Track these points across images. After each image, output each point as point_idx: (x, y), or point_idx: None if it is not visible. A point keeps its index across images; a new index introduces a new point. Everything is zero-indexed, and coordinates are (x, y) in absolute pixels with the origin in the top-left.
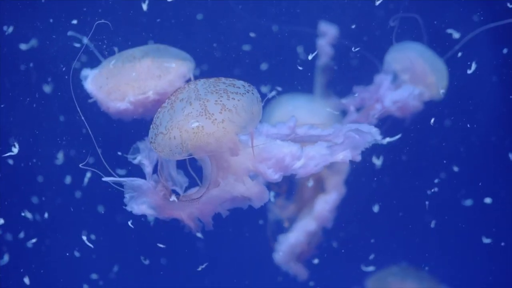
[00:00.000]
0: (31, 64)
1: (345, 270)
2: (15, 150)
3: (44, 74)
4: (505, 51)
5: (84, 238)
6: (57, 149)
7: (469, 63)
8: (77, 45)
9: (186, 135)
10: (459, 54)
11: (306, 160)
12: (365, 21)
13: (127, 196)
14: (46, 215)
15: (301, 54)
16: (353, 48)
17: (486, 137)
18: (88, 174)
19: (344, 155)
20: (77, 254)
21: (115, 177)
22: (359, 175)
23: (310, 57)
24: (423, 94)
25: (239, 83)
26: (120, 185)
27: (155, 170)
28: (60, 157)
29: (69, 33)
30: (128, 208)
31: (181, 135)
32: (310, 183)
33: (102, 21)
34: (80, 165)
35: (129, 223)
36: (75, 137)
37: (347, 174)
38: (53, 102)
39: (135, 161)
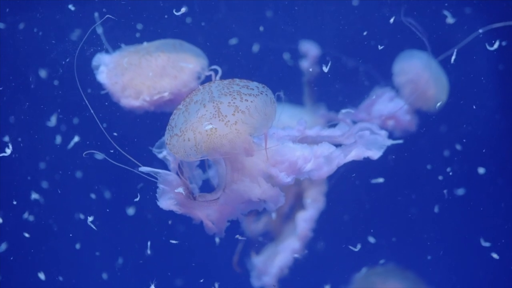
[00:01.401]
0: (31, 48)
1: (332, 271)
2: (8, 151)
3: (45, 61)
4: (504, 43)
5: (90, 219)
6: (59, 135)
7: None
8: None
9: (200, 137)
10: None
11: (319, 162)
12: (363, 27)
13: (160, 188)
14: (47, 202)
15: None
16: (379, 46)
17: (487, 136)
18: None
19: (357, 153)
20: (78, 246)
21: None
22: (347, 177)
23: (325, 69)
24: (421, 107)
25: (253, 84)
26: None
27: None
28: (59, 140)
29: (95, 14)
30: (158, 203)
31: (195, 137)
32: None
33: (109, 16)
34: (83, 153)
35: (135, 200)
36: (81, 125)
37: (326, 186)
38: (56, 88)
39: (160, 156)
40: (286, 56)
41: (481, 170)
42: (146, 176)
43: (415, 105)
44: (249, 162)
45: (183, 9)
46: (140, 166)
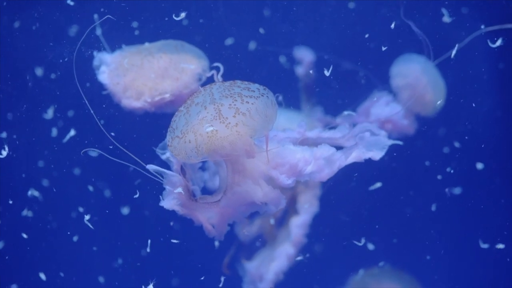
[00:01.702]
0: (29, 46)
1: (329, 273)
2: (4, 153)
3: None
4: (504, 42)
5: (87, 217)
6: (56, 133)
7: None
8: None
9: (201, 139)
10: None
11: (320, 164)
12: (361, 29)
13: (166, 189)
14: (45, 199)
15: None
16: (382, 47)
17: (486, 134)
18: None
19: (359, 155)
20: (76, 242)
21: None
22: (345, 179)
23: (327, 73)
24: (419, 112)
25: (254, 86)
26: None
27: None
28: (57, 138)
29: (95, 16)
30: (162, 203)
31: (196, 139)
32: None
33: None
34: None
35: (135, 196)
36: (79, 123)
37: (321, 189)
38: (54, 88)
39: (163, 157)
40: (284, 58)
41: (479, 166)
42: (147, 174)
43: (413, 109)
44: (250, 164)
45: (183, 14)
46: (142, 165)
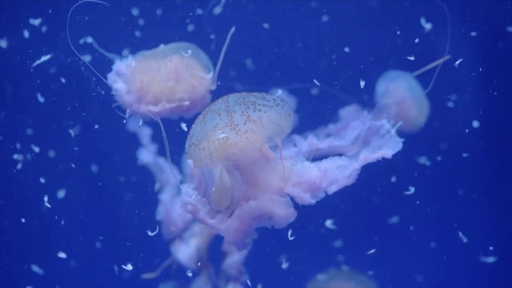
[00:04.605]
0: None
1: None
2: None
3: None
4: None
5: (45, 199)
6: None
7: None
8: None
9: (213, 146)
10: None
11: (334, 176)
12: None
13: (188, 180)
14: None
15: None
16: (409, 57)
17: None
18: None
19: (369, 156)
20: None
21: None
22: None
23: (362, 85)
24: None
25: (270, 96)
26: None
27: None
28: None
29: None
30: (182, 187)
31: (208, 146)
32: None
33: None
34: None
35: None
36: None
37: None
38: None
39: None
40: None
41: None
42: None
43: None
44: (264, 177)
45: (190, 51)
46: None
